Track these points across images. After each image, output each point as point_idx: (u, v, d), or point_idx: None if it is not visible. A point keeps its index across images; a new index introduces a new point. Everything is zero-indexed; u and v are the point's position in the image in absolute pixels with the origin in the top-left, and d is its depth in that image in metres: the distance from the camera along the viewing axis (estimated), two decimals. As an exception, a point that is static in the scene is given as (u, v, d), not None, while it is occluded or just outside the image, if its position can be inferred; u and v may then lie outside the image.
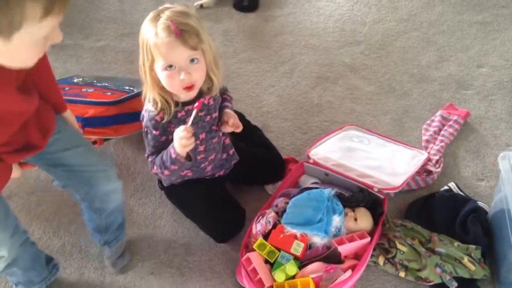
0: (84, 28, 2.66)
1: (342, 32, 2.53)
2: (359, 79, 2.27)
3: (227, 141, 1.67)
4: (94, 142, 1.82)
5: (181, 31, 1.25)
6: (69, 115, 1.39)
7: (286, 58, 2.41)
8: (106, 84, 2.02)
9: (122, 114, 1.86)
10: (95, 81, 2.04)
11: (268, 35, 2.56)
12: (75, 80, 2.06)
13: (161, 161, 1.44)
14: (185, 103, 1.43)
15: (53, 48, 2.37)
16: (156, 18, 1.27)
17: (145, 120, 1.44)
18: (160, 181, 1.73)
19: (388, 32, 2.51)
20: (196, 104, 1.34)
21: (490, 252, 1.53)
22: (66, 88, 1.95)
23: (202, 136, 1.51)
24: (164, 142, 1.45)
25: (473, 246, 1.50)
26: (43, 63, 1.19)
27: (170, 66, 1.30)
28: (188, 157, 1.42)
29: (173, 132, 1.39)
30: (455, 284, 1.44)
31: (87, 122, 1.77)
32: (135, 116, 1.85)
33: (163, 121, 1.41)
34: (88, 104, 1.81)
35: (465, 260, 1.46)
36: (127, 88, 1.98)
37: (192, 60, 1.31)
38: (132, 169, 1.91)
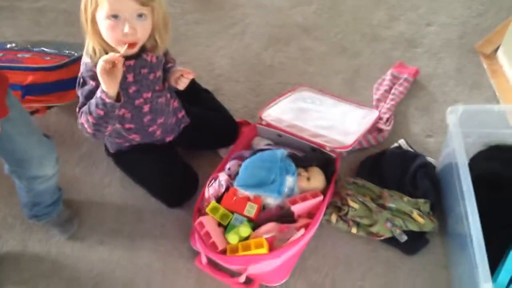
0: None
1: (294, -8, 2.47)
2: (311, 40, 2.23)
3: (176, 104, 1.61)
4: (35, 111, 1.72)
5: None
6: None
7: (237, 19, 2.33)
8: (44, 49, 1.89)
9: (65, 79, 1.76)
10: (29, 46, 1.90)
11: (217, -4, 2.47)
12: (8, 46, 1.92)
13: (87, 107, 1.33)
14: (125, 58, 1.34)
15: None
16: None
17: (82, 71, 1.35)
18: (106, 148, 1.66)
19: (340, -9, 2.47)
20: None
21: (439, 205, 1.56)
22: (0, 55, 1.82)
23: (147, 95, 1.44)
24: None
25: (422, 200, 1.53)
26: None
27: (115, 16, 1.21)
28: (118, 97, 1.30)
29: None
30: (405, 237, 1.47)
31: (27, 90, 1.66)
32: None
33: None
34: (26, 70, 1.70)
35: (415, 214, 1.49)
36: (67, 52, 1.86)
37: (139, 16, 1.24)
38: (76, 136, 1.82)
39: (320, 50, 2.19)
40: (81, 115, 1.37)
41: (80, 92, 1.38)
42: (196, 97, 1.85)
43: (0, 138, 1.18)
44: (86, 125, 1.36)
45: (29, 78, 1.68)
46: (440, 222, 1.53)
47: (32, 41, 1.98)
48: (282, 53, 2.18)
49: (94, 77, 1.31)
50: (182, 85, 1.47)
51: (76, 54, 1.83)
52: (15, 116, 1.22)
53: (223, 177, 1.54)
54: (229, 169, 1.59)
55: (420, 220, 1.48)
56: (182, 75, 1.45)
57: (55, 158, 1.37)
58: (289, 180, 1.49)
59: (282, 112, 1.78)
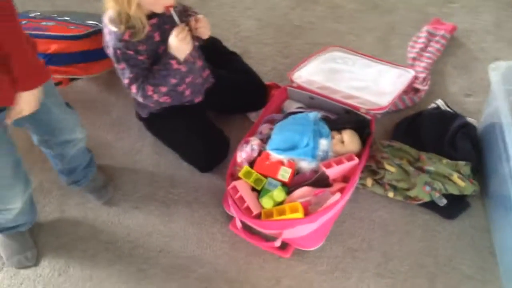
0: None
1: None
2: (341, -4, 2.14)
3: (200, 62, 1.57)
4: (59, 83, 1.70)
5: None
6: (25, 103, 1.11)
7: (263, -23, 2.25)
8: (68, 18, 1.85)
9: (90, 50, 1.72)
10: (55, 15, 1.87)
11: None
12: (32, 15, 1.88)
13: (158, 79, 1.38)
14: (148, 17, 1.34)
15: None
16: None
17: (112, 42, 1.33)
18: (138, 112, 1.65)
19: None
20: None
21: (480, 167, 1.51)
22: (23, 22, 1.79)
23: None
24: (142, 61, 1.36)
25: (462, 162, 1.48)
26: None
27: None
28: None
29: (143, 52, 1.34)
30: (445, 201, 1.43)
31: (50, 59, 1.64)
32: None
33: (134, 39, 1.31)
34: (50, 39, 1.67)
35: (455, 176, 1.45)
36: (90, 22, 1.82)
37: None
38: (107, 103, 1.82)
39: (350, 7, 2.10)
40: (143, 89, 1.39)
41: (124, 64, 1.36)
42: (224, 60, 1.80)
43: (37, 110, 1.15)
44: (155, 96, 1.42)
45: (53, 47, 1.65)
46: (481, 185, 1.49)
47: (57, 11, 1.94)
48: (310, 12, 2.10)
49: (128, 47, 1.32)
50: (201, 32, 1.40)
51: (100, 25, 1.79)
52: (50, 85, 1.21)
53: (255, 141, 1.51)
54: (260, 132, 1.57)
55: (461, 183, 1.43)
56: (196, 22, 1.39)
57: (80, 123, 1.39)
58: (323, 143, 1.46)
59: (313, 74, 1.73)
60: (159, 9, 1.31)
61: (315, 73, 1.73)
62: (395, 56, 1.89)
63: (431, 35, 1.91)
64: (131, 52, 1.33)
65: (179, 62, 1.37)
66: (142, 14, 1.28)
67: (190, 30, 1.38)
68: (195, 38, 1.42)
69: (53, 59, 1.64)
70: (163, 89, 1.41)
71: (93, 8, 1.97)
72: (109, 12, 1.30)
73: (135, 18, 1.27)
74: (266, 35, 2.02)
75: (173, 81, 1.40)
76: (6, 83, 1.02)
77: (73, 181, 1.54)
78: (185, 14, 1.47)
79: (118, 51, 1.33)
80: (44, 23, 1.78)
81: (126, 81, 1.39)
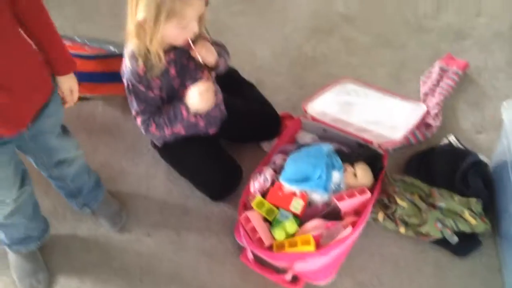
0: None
1: (337, -20, 2.42)
2: (354, 30, 2.18)
3: (220, 96, 1.60)
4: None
5: None
6: (71, 84, 1.29)
7: (277, 10, 2.31)
8: (86, 41, 1.90)
9: (99, 72, 1.77)
10: (75, 37, 1.92)
11: (259, -14, 2.44)
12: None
13: (164, 120, 1.42)
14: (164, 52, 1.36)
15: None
16: None
17: (126, 75, 1.36)
18: (152, 141, 1.67)
19: (384, -21, 2.41)
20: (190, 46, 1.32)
21: (491, 205, 1.51)
22: None
23: (188, 83, 1.44)
24: (152, 98, 1.39)
25: (474, 200, 1.49)
26: None
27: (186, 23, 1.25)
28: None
29: (155, 86, 1.37)
30: (456, 239, 1.43)
31: None
32: (114, 76, 1.76)
33: (148, 74, 1.34)
34: None
35: (466, 214, 1.45)
36: (107, 46, 1.87)
37: (201, 16, 1.29)
38: (122, 129, 1.85)
39: (363, 41, 2.14)
40: (147, 125, 1.43)
41: (133, 97, 1.39)
42: (239, 89, 1.84)
43: (39, 135, 1.23)
44: (157, 134, 1.46)
45: None
46: (493, 223, 1.49)
47: (78, 35, 1.99)
48: (324, 44, 2.14)
49: (140, 81, 1.35)
50: (203, 57, 1.38)
51: (114, 49, 1.83)
52: (59, 109, 1.25)
53: (268, 171, 1.53)
54: (274, 163, 1.59)
55: (472, 221, 1.44)
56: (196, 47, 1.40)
57: (76, 144, 1.41)
58: (336, 176, 1.47)
59: (326, 106, 1.76)
60: (180, 42, 1.33)
61: (328, 105, 1.76)
62: (407, 90, 1.92)
63: (443, 71, 1.94)
64: (142, 88, 1.36)
65: (188, 112, 1.40)
66: (160, 49, 1.30)
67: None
68: (209, 68, 1.44)
69: None
70: (167, 131, 1.44)
71: (116, 37, 2.02)
72: (129, 45, 1.33)
73: (154, 53, 1.29)
74: (280, 66, 2.06)
75: (179, 127, 1.45)
76: (45, 68, 1.16)
77: (83, 203, 1.55)
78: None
79: (130, 84, 1.37)
80: None
81: (133, 112, 1.43)
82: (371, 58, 2.06)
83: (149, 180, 1.70)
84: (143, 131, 1.46)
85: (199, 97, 1.34)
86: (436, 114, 1.78)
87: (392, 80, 1.97)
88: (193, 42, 1.33)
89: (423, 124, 1.76)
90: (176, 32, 1.26)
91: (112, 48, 1.85)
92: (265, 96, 1.85)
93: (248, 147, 1.76)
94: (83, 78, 1.71)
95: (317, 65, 2.05)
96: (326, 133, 1.68)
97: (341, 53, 2.10)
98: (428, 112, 1.78)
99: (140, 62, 1.32)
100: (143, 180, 1.70)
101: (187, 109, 1.39)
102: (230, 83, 1.76)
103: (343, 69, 2.02)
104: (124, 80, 1.38)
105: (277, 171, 1.55)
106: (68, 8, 2.34)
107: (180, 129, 1.52)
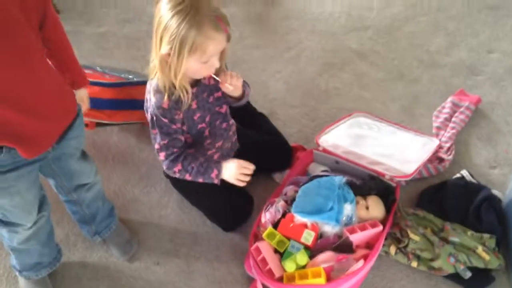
0: (85, 13, 2.59)
1: (349, 17, 2.47)
2: (367, 65, 2.22)
3: (234, 128, 1.63)
4: (86, 125, 1.77)
5: (226, 27, 1.24)
6: (84, 94, 1.39)
7: (292, 43, 2.35)
8: (106, 70, 1.97)
9: (118, 99, 1.81)
10: (97, 67, 1.99)
11: (274, 20, 2.50)
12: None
13: (192, 168, 1.43)
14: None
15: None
16: (192, 13, 1.19)
17: (151, 109, 1.38)
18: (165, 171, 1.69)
19: (396, 17, 2.45)
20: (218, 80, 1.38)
21: (505, 241, 1.49)
22: None
23: (207, 119, 1.47)
24: (175, 130, 1.41)
25: (488, 235, 1.47)
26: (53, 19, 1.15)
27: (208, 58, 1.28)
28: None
29: (178, 120, 1.38)
30: (469, 274, 1.41)
31: None
32: (132, 104, 1.80)
33: (173, 108, 1.36)
34: None
35: (479, 249, 1.43)
36: (125, 75, 1.93)
37: (222, 52, 1.32)
38: (136, 157, 1.87)
39: (376, 75, 2.17)
40: (173, 164, 1.44)
41: (157, 131, 1.40)
42: (251, 120, 1.86)
43: (62, 159, 1.26)
44: (177, 174, 1.46)
45: None
46: (506, 259, 1.46)
47: (99, 65, 2.06)
48: (337, 78, 2.17)
49: (165, 115, 1.36)
50: (234, 85, 1.41)
51: (134, 78, 1.89)
52: (81, 135, 1.28)
53: (279, 202, 1.53)
54: (285, 194, 1.59)
55: (485, 256, 1.41)
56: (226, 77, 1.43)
57: (95, 169, 1.44)
58: (347, 208, 1.47)
59: (338, 138, 1.77)
60: (202, 75, 1.37)
61: (341, 138, 1.77)
62: (420, 124, 1.93)
63: (455, 106, 1.94)
64: (166, 120, 1.37)
65: (218, 177, 1.44)
66: (187, 83, 1.33)
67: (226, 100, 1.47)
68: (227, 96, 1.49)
69: None
70: (188, 177, 1.45)
71: (135, 68, 2.08)
72: (153, 80, 1.35)
73: (180, 87, 1.32)
74: (293, 98, 2.09)
75: (201, 180, 1.46)
76: (69, 89, 1.24)
77: (95, 232, 1.56)
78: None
79: (154, 117, 1.38)
80: None
81: (156, 146, 1.43)
82: (383, 92, 2.09)
83: (161, 209, 1.71)
84: (164, 166, 1.46)
85: (236, 172, 1.40)
86: (449, 148, 1.78)
87: (405, 114, 1.98)
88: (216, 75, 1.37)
89: (436, 158, 1.76)
90: (197, 67, 1.29)
91: (130, 77, 1.90)
92: (278, 128, 1.87)
93: (260, 178, 1.76)
94: (102, 105, 1.78)
95: (330, 98, 2.08)
96: (338, 165, 1.68)
97: (354, 87, 2.12)
98: (440, 146, 1.78)
99: (165, 96, 1.33)
100: (155, 209, 1.71)
101: (218, 174, 1.42)
102: (242, 114, 1.78)
103: (356, 103, 2.04)
104: (148, 115, 1.40)
105: (289, 202, 1.55)
106: (88, 43, 2.42)
107: (199, 181, 1.50)
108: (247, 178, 1.40)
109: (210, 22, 1.21)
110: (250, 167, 1.40)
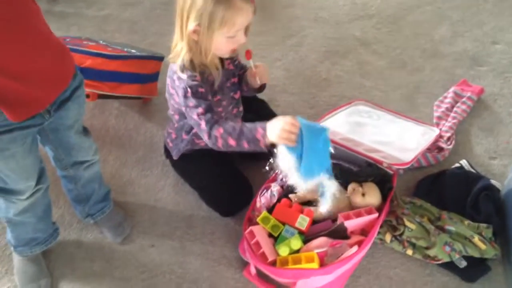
0: (88, -4, 2.59)
1: (353, 5, 2.45)
2: (369, 54, 2.19)
3: (241, 115, 1.63)
4: (87, 96, 1.76)
5: None
6: None
7: (294, 31, 2.34)
8: (109, 44, 1.95)
9: (121, 72, 1.80)
10: (100, 40, 1.98)
11: (276, 8, 2.48)
12: (78, 35, 2.00)
13: (237, 132, 1.30)
14: None
15: (54, 17, 2.32)
16: None
17: (184, 84, 1.34)
18: (166, 151, 1.68)
19: (401, 6, 2.43)
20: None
21: (502, 231, 1.48)
22: (67, 39, 1.91)
23: (224, 103, 1.47)
24: (210, 101, 1.37)
25: (484, 225, 1.45)
26: None
27: (237, 31, 1.28)
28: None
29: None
30: (465, 263, 1.39)
31: (83, 73, 1.71)
32: (135, 77, 1.79)
33: (204, 83, 1.36)
34: (87, 54, 1.75)
35: (476, 239, 1.41)
36: (129, 49, 1.92)
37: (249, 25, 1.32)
38: (133, 141, 1.87)
39: (378, 64, 2.15)
40: (214, 128, 1.33)
41: (195, 102, 1.34)
42: (252, 105, 1.84)
43: (60, 132, 1.26)
44: (220, 141, 1.33)
45: (87, 62, 1.73)
46: (503, 249, 1.45)
47: (105, 39, 2.05)
48: (339, 66, 2.15)
49: (202, 86, 1.35)
50: (261, 77, 1.46)
51: (136, 52, 1.88)
52: (81, 107, 1.28)
53: (275, 187, 1.52)
54: (281, 179, 1.58)
55: (482, 246, 1.40)
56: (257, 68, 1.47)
57: (94, 147, 1.43)
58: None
59: (337, 125, 1.75)
60: (226, 54, 1.36)
61: (339, 125, 1.75)
62: (420, 114, 1.91)
63: (457, 96, 1.92)
64: (202, 90, 1.35)
65: (263, 137, 1.27)
66: (217, 59, 1.34)
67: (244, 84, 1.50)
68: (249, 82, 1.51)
69: (85, 72, 1.70)
70: (231, 142, 1.32)
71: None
72: (179, 61, 1.34)
73: (211, 64, 1.32)
74: (293, 85, 2.07)
75: (246, 145, 1.31)
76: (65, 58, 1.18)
77: (87, 213, 1.56)
78: (236, 63, 1.54)
79: (190, 90, 1.33)
80: (85, 42, 1.90)
81: (195, 117, 1.36)
82: (385, 81, 2.06)
83: (157, 192, 1.70)
84: (205, 135, 1.35)
85: (282, 130, 1.22)
86: (449, 138, 1.76)
87: (406, 103, 1.96)
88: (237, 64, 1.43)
89: (435, 147, 1.74)
90: (224, 41, 1.28)
91: (133, 51, 1.89)
92: (278, 114, 1.85)
93: (259, 164, 1.75)
94: (105, 77, 1.77)
95: (331, 86, 2.06)
96: (336, 151, 1.66)
97: (356, 75, 2.10)
98: (440, 136, 1.76)
99: (197, 73, 1.33)
100: (151, 192, 1.71)
101: (264, 133, 1.27)
102: (243, 99, 1.77)
103: (357, 91, 2.03)
104: (181, 90, 1.35)
105: (285, 187, 1.54)
106: (89, 26, 2.42)
107: (201, 142, 1.50)
108: (293, 137, 1.21)
109: None
110: (295, 123, 1.21)
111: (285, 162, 1.26)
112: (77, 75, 1.23)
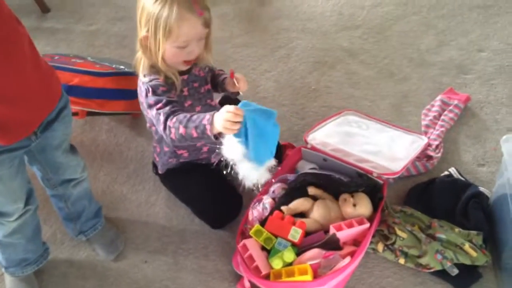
0: (76, 12, 2.58)
1: (340, 16, 2.48)
2: (357, 64, 2.22)
3: None
4: (76, 113, 1.77)
5: (202, 11, 1.24)
6: None
7: (283, 42, 2.35)
8: (98, 60, 1.96)
9: (109, 89, 1.81)
10: (89, 57, 1.98)
11: (264, 19, 2.50)
12: (66, 53, 2.01)
13: (185, 119, 1.25)
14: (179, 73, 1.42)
15: (44, 33, 2.33)
16: None
17: (146, 85, 1.34)
18: (154, 166, 1.69)
19: (387, 16, 2.46)
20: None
21: (492, 238, 1.49)
22: (56, 57, 1.91)
23: (198, 108, 1.48)
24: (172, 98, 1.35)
25: (474, 232, 1.47)
26: None
27: (185, 45, 1.29)
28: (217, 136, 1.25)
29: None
30: (456, 271, 1.41)
31: (70, 90, 1.72)
32: (123, 94, 1.79)
33: (167, 85, 1.37)
34: (75, 72, 1.76)
35: (466, 246, 1.43)
36: (117, 66, 1.93)
37: (200, 38, 1.31)
38: (124, 155, 1.87)
39: (366, 74, 2.17)
40: (169, 118, 1.28)
41: (155, 98, 1.32)
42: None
43: (48, 151, 1.26)
44: (173, 131, 1.27)
45: (75, 80, 1.74)
46: (493, 256, 1.46)
47: (94, 56, 2.06)
48: (327, 77, 2.17)
49: (163, 85, 1.35)
50: (241, 85, 1.49)
51: (124, 68, 1.89)
52: (68, 126, 1.28)
53: (267, 199, 1.53)
54: (273, 192, 1.58)
55: (472, 253, 1.42)
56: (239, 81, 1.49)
57: (82, 165, 1.44)
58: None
59: (327, 136, 1.77)
60: (181, 67, 1.38)
61: (329, 135, 1.77)
62: (409, 123, 1.93)
63: (444, 104, 1.95)
64: (164, 89, 1.34)
65: (210, 123, 1.21)
66: (174, 69, 1.35)
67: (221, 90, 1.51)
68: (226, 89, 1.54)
69: (73, 90, 1.72)
70: (182, 129, 1.25)
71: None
72: (142, 66, 1.36)
73: (168, 71, 1.34)
74: (283, 97, 2.09)
75: (194, 133, 1.25)
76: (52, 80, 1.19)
77: (79, 231, 1.55)
78: (213, 73, 1.56)
79: (150, 89, 1.32)
80: (73, 60, 1.90)
81: (154, 112, 1.32)
82: (373, 91, 2.09)
83: (149, 207, 1.70)
84: (161, 126, 1.30)
85: (224, 125, 1.16)
86: (437, 146, 1.78)
87: (394, 112, 1.99)
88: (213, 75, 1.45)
89: (424, 155, 1.76)
90: (174, 51, 1.29)
91: (122, 67, 1.90)
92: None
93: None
94: (93, 94, 1.77)
95: (320, 96, 2.08)
96: (326, 162, 1.68)
97: (344, 85, 2.12)
98: (429, 144, 1.79)
99: (160, 76, 1.35)
100: (143, 207, 1.71)
101: (210, 119, 1.20)
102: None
103: (346, 101, 2.04)
104: (143, 92, 1.35)
105: (276, 200, 1.54)
106: (78, 41, 2.42)
107: (183, 152, 1.53)
108: (236, 126, 1.16)
109: (184, 3, 1.21)
110: (238, 112, 1.15)
111: (232, 151, 1.22)
112: (63, 96, 1.23)
